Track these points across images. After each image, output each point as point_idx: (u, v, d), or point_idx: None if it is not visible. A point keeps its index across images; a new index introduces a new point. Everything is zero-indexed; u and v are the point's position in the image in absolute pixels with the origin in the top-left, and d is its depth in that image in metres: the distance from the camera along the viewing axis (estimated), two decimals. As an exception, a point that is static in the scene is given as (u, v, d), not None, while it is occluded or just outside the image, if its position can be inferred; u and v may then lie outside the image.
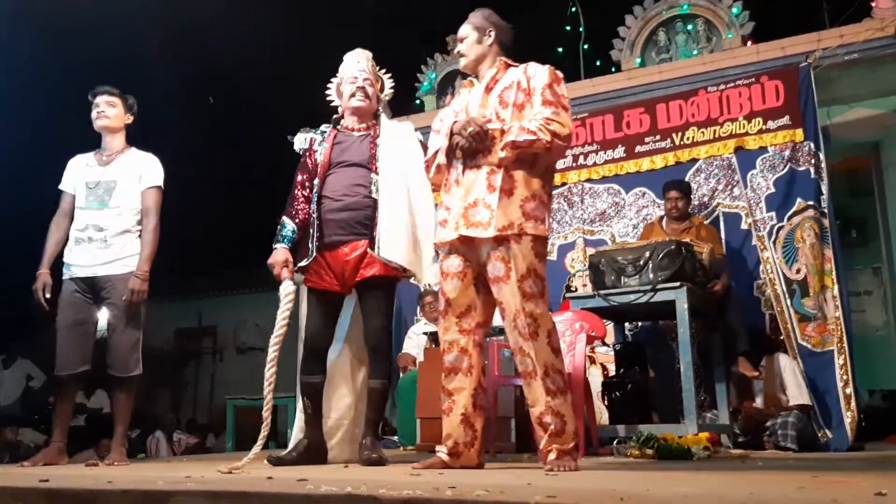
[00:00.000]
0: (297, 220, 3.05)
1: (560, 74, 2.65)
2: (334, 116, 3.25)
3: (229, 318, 10.79)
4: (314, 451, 3.02)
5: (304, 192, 3.09)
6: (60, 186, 3.54)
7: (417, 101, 6.57)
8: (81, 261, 3.36)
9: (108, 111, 3.54)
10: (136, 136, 3.67)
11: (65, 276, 3.42)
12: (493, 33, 2.72)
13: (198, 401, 10.86)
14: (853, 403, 4.18)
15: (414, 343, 5.24)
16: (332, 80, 3.33)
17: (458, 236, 2.57)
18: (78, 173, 3.53)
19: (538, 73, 2.62)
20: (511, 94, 2.61)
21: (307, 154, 3.15)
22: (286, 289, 2.92)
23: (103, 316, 3.47)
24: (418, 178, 3.04)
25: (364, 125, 3.17)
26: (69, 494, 1.87)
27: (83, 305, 3.38)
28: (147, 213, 3.46)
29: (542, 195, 2.57)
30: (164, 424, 8.52)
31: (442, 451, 2.59)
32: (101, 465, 3.15)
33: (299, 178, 3.12)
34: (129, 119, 3.61)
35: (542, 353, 2.46)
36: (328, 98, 3.35)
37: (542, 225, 2.53)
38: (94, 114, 3.55)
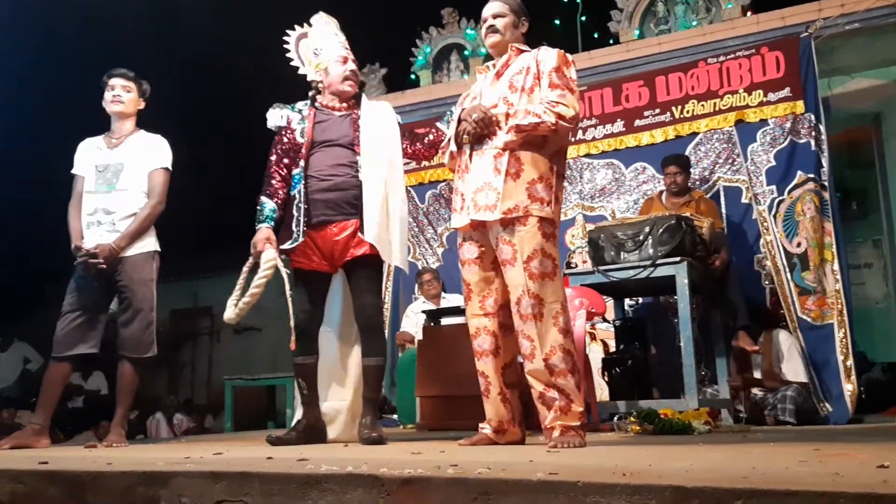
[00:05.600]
0: (276, 200, 3.01)
1: (570, 58, 2.65)
2: (311, 93, 3.17)
3: (225, 298, 10.73)
4: (313, 431, 3.01)
5: (281, 170, 3.04)
6: (73, 170, 3.50)
7: (412, 77, 6.49)
8: (91, 245, 3.32)
9: (124, 96, 3.51)
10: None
11: (78, 261, 3.38)
12: (526, 24, 2.76)
13: (195, 381, 10.89)
14: (853, 376, 4.19)
15: (412, 321, 5.23)
16: (287, 36, 3.22)
17: (471, 222, 2.62)
18: (88, 157, 3.49)
19: (547, 57, 2.62)
20: (521, 79, 2.63)
21: (284, 132, 3.08)
22: (268, 257, 2.87)
23: (114, 298, 3.45)
24: (394, 160, 3.06)
25: (345, 104, 3.12)
26: (68, 476, 1.86)
27: (92, 290, 3.35)
28: (150, 192, 3.43)
29: (550, 177, 2.58)
30: (164, 406, 8.54)
31: (486, 428, 2.66)
32: (100, 447, 3.14)
33: (275, 156, 3.07)
34: (142, 104, 3.58)
35: (547, 335, 2.46)
36: (292, 63, 3.22)
37: (549, 206, 2.55)
38: (108, 96, 3.49)
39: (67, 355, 3.32)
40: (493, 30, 2.75)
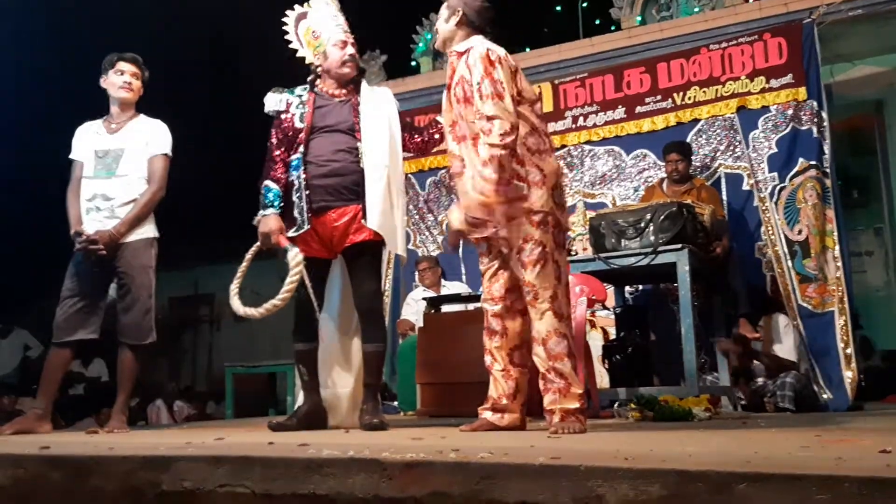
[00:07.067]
0: (280, 184, 2.99)
1: (493, 57, 2.52)
2: (310, 78, 3.14)
3: (226, 285, 10.73)
4: (314, 417, 3.01)
5: (282, 155, 3.03)
6: (71, 155, 3.45)
7: (413, 63, 6.46)
8: (90, 231, 3.30)
9: (135, 83, 3.47)
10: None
11: (77, 247, 3.35)
12: (460, 13, 2.68)
13: (196, 369, 10.93)
14: (853, 363, 4.19)
15: (413, 309, 5.23)
16: (285, 17, 3.18)
17: None
18: (87, 141, 3.45)
19: (474, 68, 2.54)
20: (460, 90, 2.64)
21: (283, 116, 3.06)
22: (295, 257, 2.86)
23: (113, 285, 3.42)
24: (396, 146, 3.05)
25: (344, 90, 3.10)
26: (70, 461, 1.87)
27: (91, 276, 3.34)
28: (149, 179, 3.40)
29: (520, 170, 2.53)
30: (165, 393, 8.57)
31: (487, 412, 2.68)
32: (102, 433, 3.14)
33: (275, 140, 3.05)
34: (141, 92, 3.54)
35: (542, 320, 2.51)
36: (290, 45, 3.19)
37: (525, 202, 2.52)
38: (117, 80, 3.43)
39: (68, 341, 3.31)
40: (436, 32, 2.83)
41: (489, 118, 2.48)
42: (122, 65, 3.46)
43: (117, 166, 3.38)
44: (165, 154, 3.45)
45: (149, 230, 3.41)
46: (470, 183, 2.53)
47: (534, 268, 2.51)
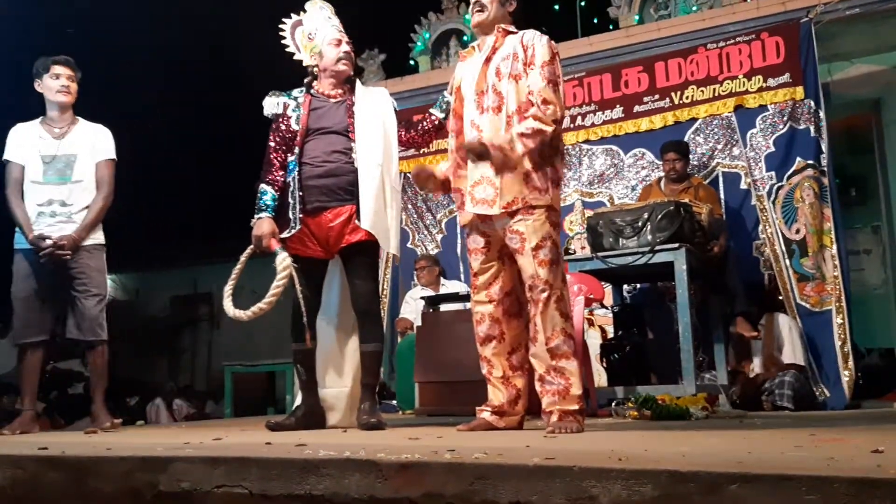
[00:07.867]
0: (276, 187, 3.01)
1: (555, 50, 2.65)
2: (306, 80, 3.15)
3: (225, 284, 10.76)
4: (312, 417, 3.03)
5: (279, 157, 3.04)
6: (7, 157, 3.43)
7: (411, 62, 6.46)
8: (49, 236, 3.31)
9: (72, 87, 3.47)
10: (130, 105, 3.58)
11: (21, 246, 3.36)
12: (514, 3, 2.75)
13: (195, 368, 10.94)
14: (850, 362, 4.20)
15: (412, 308, 5.25)
16: (283, 24, 3.20)
17: (475, 214, 2.65)
18: (28, 144, 3.43)
19: (538, 47, 2.61)
20: (508, 65, 2.63)
21: (281, 119, 3.08)
22: (283, 261, 2.88)
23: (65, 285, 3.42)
24: (390, 146, 3.06)
25: (340, 90, 3.12)
26: (69, 462, 1.88)
27: (43, 275, 3.34)
28: (99, 184, 3.43)
29: (545, 164, 2.58)
30: (165, 392, 8.58)
31: (486, 412, 2.69)
32: (100, 432, 3.16)
33: (273, 143, 3.06)
34: (77, 95, 3.53)
35: (550, 319, 2.52)
36: (287, 49, 3.21)
37: (547, 194, 2.57)
38: (54, 84, 3.43)
39: (32, 342, 3.35)
40: (479, 8, 2.75)
41: (545, 101, 2.53)
42: (56, 68, 3.45)
43: (71, 172, 3.40)
44: (112, 159, 3.48)
45: (100, 236, 3.46)
46: (515, 127, 2.52)
47: (549, 266, 2.53)
